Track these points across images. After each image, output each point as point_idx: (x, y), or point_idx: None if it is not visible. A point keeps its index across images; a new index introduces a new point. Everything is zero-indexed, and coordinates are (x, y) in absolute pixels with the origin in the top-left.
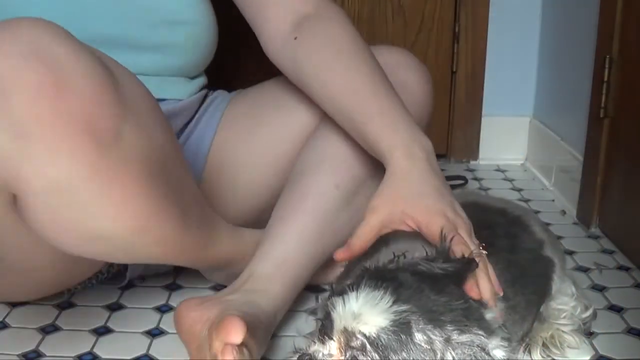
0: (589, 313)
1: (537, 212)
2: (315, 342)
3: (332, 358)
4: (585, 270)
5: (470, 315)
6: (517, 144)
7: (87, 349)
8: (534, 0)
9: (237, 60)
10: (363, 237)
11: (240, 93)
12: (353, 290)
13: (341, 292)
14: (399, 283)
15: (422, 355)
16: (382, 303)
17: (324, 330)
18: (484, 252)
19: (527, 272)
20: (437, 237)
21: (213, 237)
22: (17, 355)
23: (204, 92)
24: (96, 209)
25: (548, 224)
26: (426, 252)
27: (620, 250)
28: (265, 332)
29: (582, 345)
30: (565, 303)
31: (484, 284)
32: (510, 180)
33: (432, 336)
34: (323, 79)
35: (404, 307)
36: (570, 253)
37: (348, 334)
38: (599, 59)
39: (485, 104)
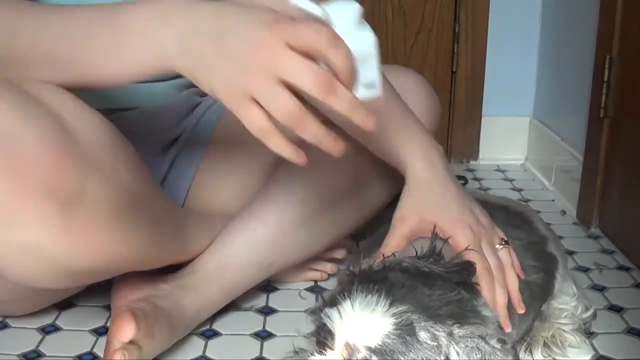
0: (589, 313)
1: (537, 212)
2: (314, 354)
3: None
4: (585, 270)
5: (464, 306)
6: (517, 144)
7: (87, 349)
8: (534, 0)
9: None
10: (395, 246)
11: None
12: (346, 298)
13: (334, 302)
14: (390, 283)
15: (430, 353)
16: (379, 307)
17: (323, 342)
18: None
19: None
20: (475, 244)
21: (189, 239)
22: (17, 356)
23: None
24: (68, 262)
25: (548, 224)
26: (415, 252)
27: (620, 250)
28: (173, 329)
29: (583, 345)
30: (566, 302)
31: (499, 298)
32: (510, 180)
33: (435, 332)
34: None
35: (402, 308)
36: (570, 253)
37: (350, 348)
38: (599, 59)
39: (485, 104)
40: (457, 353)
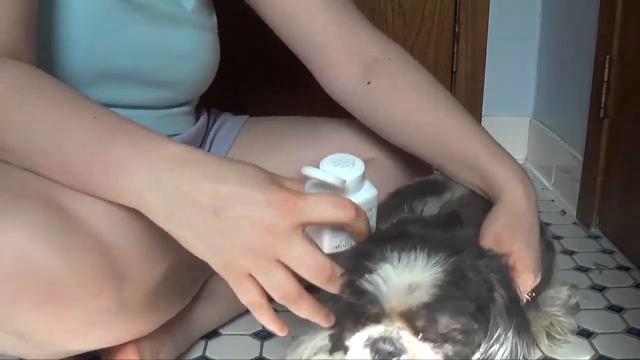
0: (576, 299)
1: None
2: (361, 328)
3: (406, 340)
4: (585, 270)
5: (476, 242)
6: (517, 144)
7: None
8: (534, 0)
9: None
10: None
11: (255, 120)
12: (379, 262)
13: (365, 270)
14: (416, 236)
15: (478, 289)
16: (421, 262)
17: (370, 315)
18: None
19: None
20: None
21: (204, 271)
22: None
23: (204, 117)
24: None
25: (548, 224)
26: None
27: (620, 250)
28: (177, 344)
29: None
30: (561, 291)
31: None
32: None
33: (479, 268)
34: (416, 121)
35: (442, 255)
36: (570, 253)
37: (411, 313)
38: (599, 59)
39: (485, 104)
40: (497, 282)
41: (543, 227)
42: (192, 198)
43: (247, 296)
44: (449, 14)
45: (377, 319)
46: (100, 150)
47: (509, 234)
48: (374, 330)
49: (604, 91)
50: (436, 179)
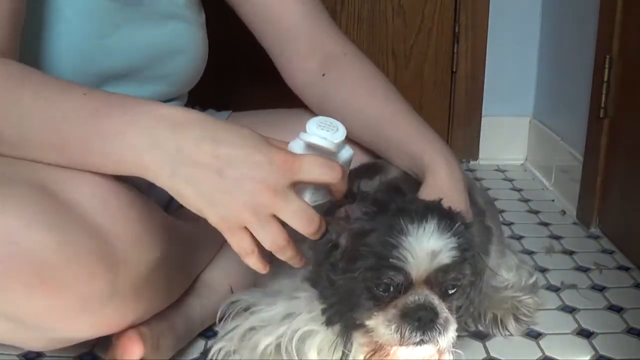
0: (534, 278)
1: (537, 212)
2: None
3: (438, 303)
4: (585, 270)
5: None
6: (517, 144)
7: (87, 349)
8: (534, 0)
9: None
10: None
11: (239, 114)
12: (399, 236)
13: (388, 244)
14: (416, 205)
15: (483, 237)
16: (433, 230)
17: (394, 286)
18: None
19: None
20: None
21: (203, 256)
22: (17, 356)
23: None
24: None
25: (548, 224)
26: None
27: (620, 250)
28: (178, 339)
29: (539, 296)
30: (509, 270)
31: None
32: (510, 180)
33: (471, 232)
34: (357, 107)
35: (448, 217)
36: (571, 253)
37: (432, 278)
38: (599, 59)
39: (485, 104)
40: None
41: (483, 211)
42: (194, 158)
43: (241, 244)
44: (449, 14)
45: (403, 289)
46: (95, 122)
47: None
48: (407, 300)
49: (604, 91)
50: (376, 162)
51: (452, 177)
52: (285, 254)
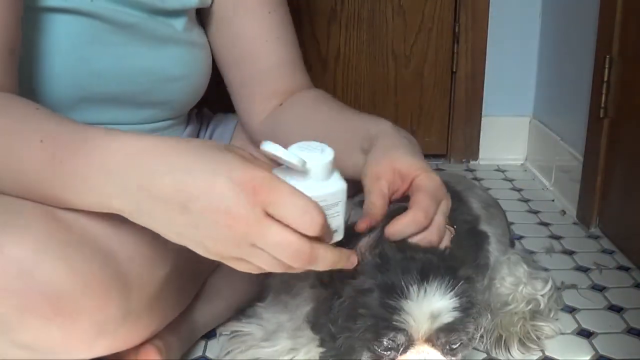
0: (549, 286)
1: (537, 212)
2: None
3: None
4: (585, 270)
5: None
6: (517, 144)
7: None
8: (534, 0)
9: None
10: (380, 204)
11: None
12: (400, 300)
13: (389, 308)
14: (420, 262)
15: (475, 305)
16: (435, 291)
17: (396, 346)
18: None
19: (462, 243)
20: (438, 189)
21: (204, 270)
22: None
23: (194, 123)
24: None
25: (548, 224)
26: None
27: (620, 250)
28: (182, 342)
29: (556, 324)
30: (515, 284)
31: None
32: (510, 180)
33: (473, 288)
34: (305, 122)
35: (452, 276)
36: (570, 253)
37: (433, 336)
38: (599, 59)
39: (485, 104)
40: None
41: (477, 216)
42: (157, 195)
43: (247, 269)
44: (449, 14)
45: (404, 348)
46: (54, 172)
47: (404, 163)
48: (409, 359)
49: (604, 91)
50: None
51: (396, 129)
52: (299, 269)
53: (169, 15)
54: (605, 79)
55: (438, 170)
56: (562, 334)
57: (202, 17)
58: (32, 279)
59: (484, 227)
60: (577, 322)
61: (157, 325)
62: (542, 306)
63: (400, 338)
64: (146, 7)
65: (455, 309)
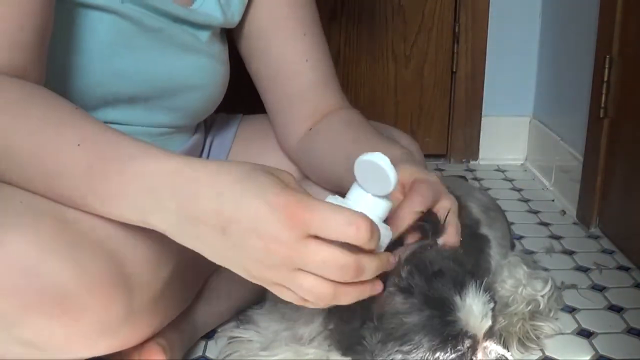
0: (549, 287)
1: (537, 212)
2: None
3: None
4: (585, 270)
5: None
6: (517, 144)
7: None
8: (534, 1)
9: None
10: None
11: (249, 118)
12: (459, 309)
13: (448, 316)
14: (464, 272)
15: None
16: (481, 295)
17: (468, 347)
18: None
19: (463, 247)
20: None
21: (206, 267)
22: None
23: (201, 131)
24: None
25: (548, 224)
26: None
27: (620, 250)
28: (184, 341)
29: (556, 323)
30: (515, 286)
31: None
32: (510, 180)
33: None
34: (343, 153)
35: (488, 287)
36: (570, 253)
37: (486, 332)
38: (599, 59)
39: (485, 104)
40: None
41: (477, 220)
42: (197, 217)
43: (289, 298)
44: (449, 14)
45: (472, 351)
46: (90, 183)
47: (404, 173)
48: (487, 353)
49: (604, 91)
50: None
51: (409, 156)
52: (342, 302)
53: (194, 27)
54: (605, 79)
55: (438, 170)
56: (562, 334)
57: (232, 34)
58: (37, 278)
59: (485, 230)
60: (577, 322)
61: (159, 325)
62: (542, 306)
63: (467, 342)
64: (172, 16)
65: (491, 308)
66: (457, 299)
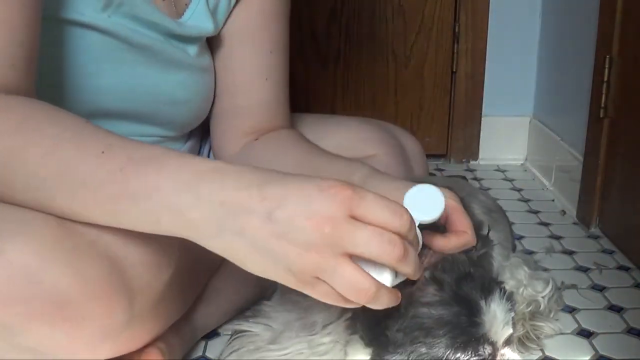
0: (549, 287)
1: (537, 212)
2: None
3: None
4: (585, 270)
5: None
6: (517, 144)
7: None
8: (534, 0)
9: None
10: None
11: None
12: (483, 315)
13: (470, 307)
14: (488, 280)
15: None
16: (503, 302)
17: (488, 353)
18: None
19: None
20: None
21: (207, 269)
22: None
23: (196, 137)
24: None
25: (548, 224)
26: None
27: (620, 250)
28: (184, 342)
29: (556, 323)
30: (518, 285)
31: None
32: (510, 180)
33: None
34: (280, 156)
35: (509, 295)
36: (570, 253)
37: (505, 338)
38: (599, 59)
39: (485, 104)
40: None
41: (480, 222)
42: (242, 206)
43: (328, 297)
44: (449, 14)
45: (491, 357)
46: (122, 183)
47: (408, 185)
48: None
49: (604, 91)
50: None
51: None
52: (380, 303)
53: (183, 41)
54: (605, 79)
55: (438, 170)
56: (562, 334)
57: (208, 40)
58: (39, 286)
59: (486, 232)
60: (577, 322)
61: (160, 328)
62: (542, 307)
63: (488, 348)
64: (163, 30)
65: (512, 315)
66: (482, 303)
